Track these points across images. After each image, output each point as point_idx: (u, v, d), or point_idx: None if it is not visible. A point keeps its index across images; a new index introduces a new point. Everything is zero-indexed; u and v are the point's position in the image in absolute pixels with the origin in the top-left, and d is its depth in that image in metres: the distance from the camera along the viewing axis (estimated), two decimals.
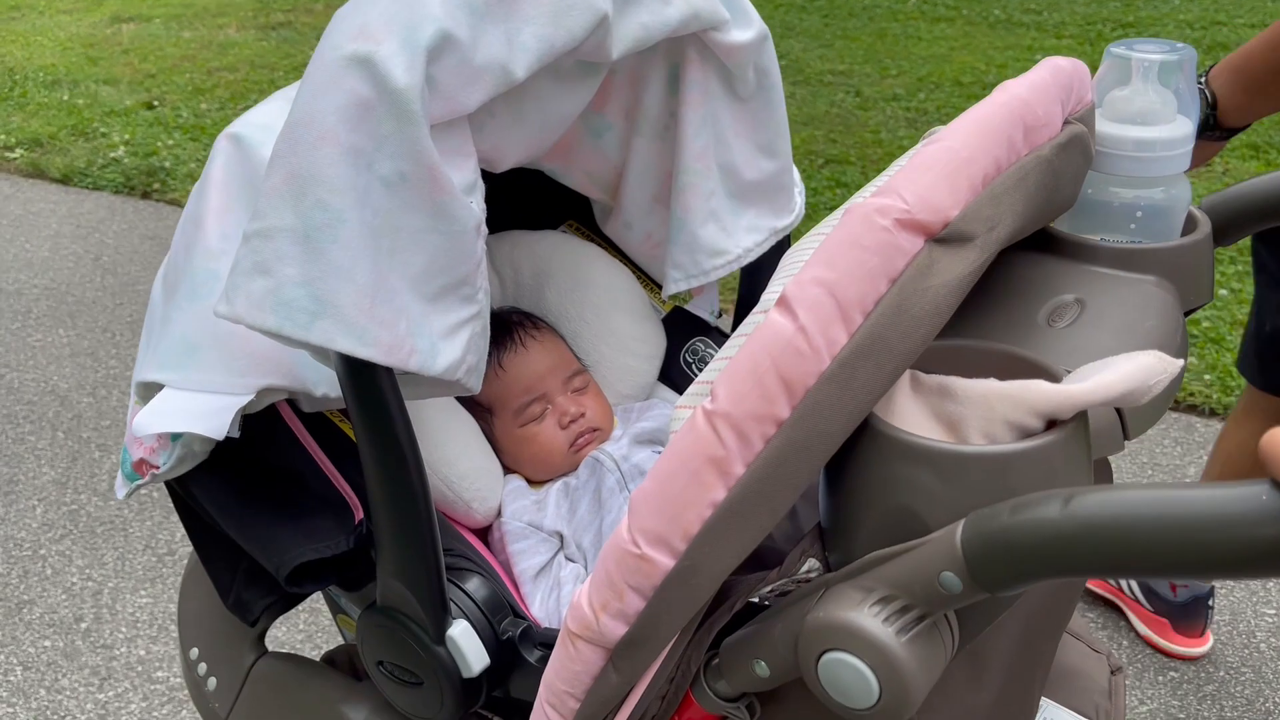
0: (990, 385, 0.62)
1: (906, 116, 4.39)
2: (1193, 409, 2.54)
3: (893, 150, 3.97)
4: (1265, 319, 1.57)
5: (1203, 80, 1.24)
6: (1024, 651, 0.81)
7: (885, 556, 0.61)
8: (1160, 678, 1.87)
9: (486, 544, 1.08)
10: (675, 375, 1.23)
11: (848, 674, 0.61)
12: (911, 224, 0.61)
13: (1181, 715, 1.79)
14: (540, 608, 1.01)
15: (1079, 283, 0.80)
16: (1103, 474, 0.87)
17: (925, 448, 0.61)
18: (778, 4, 5.99)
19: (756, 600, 0.71)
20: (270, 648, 1.14)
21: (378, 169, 0.75)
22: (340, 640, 1.23)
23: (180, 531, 2.29)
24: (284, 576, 0.89)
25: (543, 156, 1.11)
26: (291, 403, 0.94)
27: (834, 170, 3.89)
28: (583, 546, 1.05)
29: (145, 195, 4.11)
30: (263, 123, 0.95)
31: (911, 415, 0.64)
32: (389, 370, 0.77)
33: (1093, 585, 2.03)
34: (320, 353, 0.78)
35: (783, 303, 0.60)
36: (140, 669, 1.97)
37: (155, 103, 4.96)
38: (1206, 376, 2.60)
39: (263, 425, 0.92)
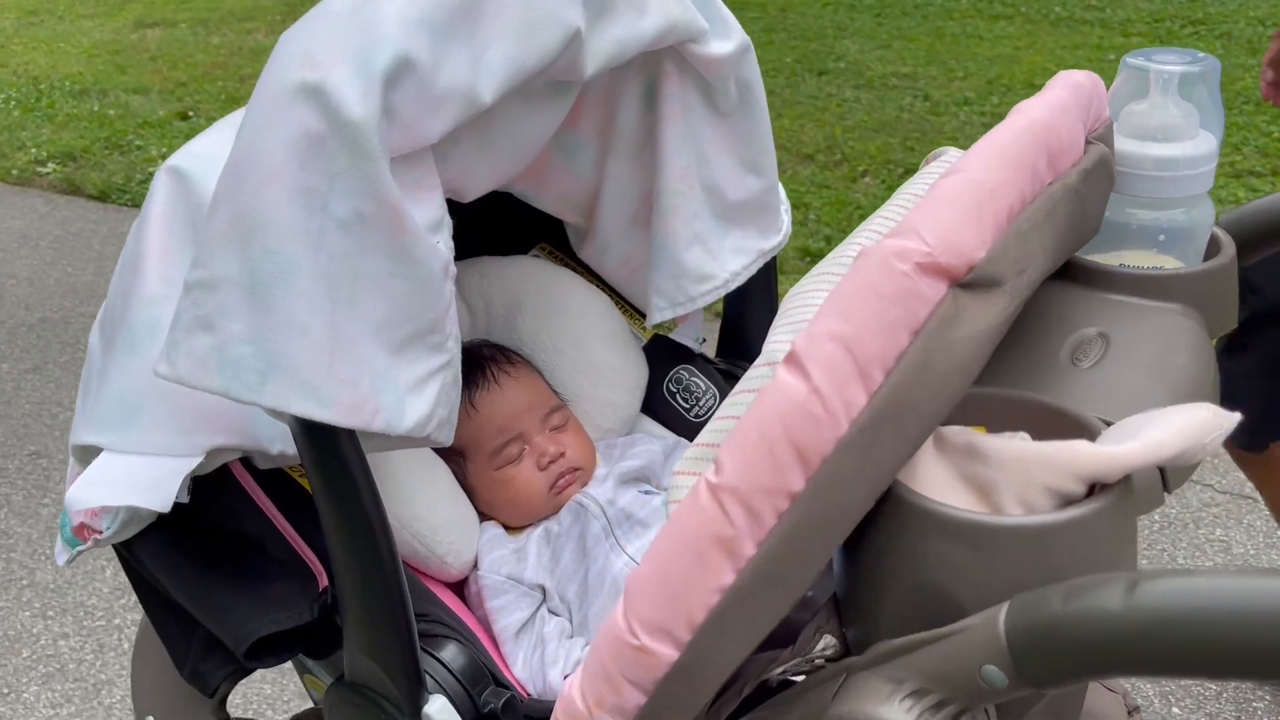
0: (1027, 448, 0.56)
1: (983, 121, 4.15)
2: None
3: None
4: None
5: None
6: (1053, 703, 0.75)
7: (916, 644, 0.54)
8: (1177, 708, 1.81)
9: (461, 597, 1.01)
10: (658, 406, 1.16)
11: None
12: (934, 268, 0.54)
13: None
14: (523, 668, 0.94)
15: (1099, 314, 0.73)
16: None
17: (958, 520, 0.54)
18: (825, 3, 5.72)
19: (767, 680, 0.64)
20: (232, 713, 1.06)
21: (332, 210, 0.68)
22: (308, 702, 1.15)
23: None
24: (243, 651, 0.82)
25: (513, 180, 1.03)
26: (245, 460, 0.86)
27: None
28: (567, 599, 0.98)
29: None
30: (206, 154, 0.87)
31: (937, 479, 0.58)
32: (350, 432, 0.70)
33: None
34: (274, 413, 0.71)
35: (793, 360, 0.54)
36: None
37: (190, 113, 4.77)
38: None
39: (214, 485, 0.85)
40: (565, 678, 0.87)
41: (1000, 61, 4.81)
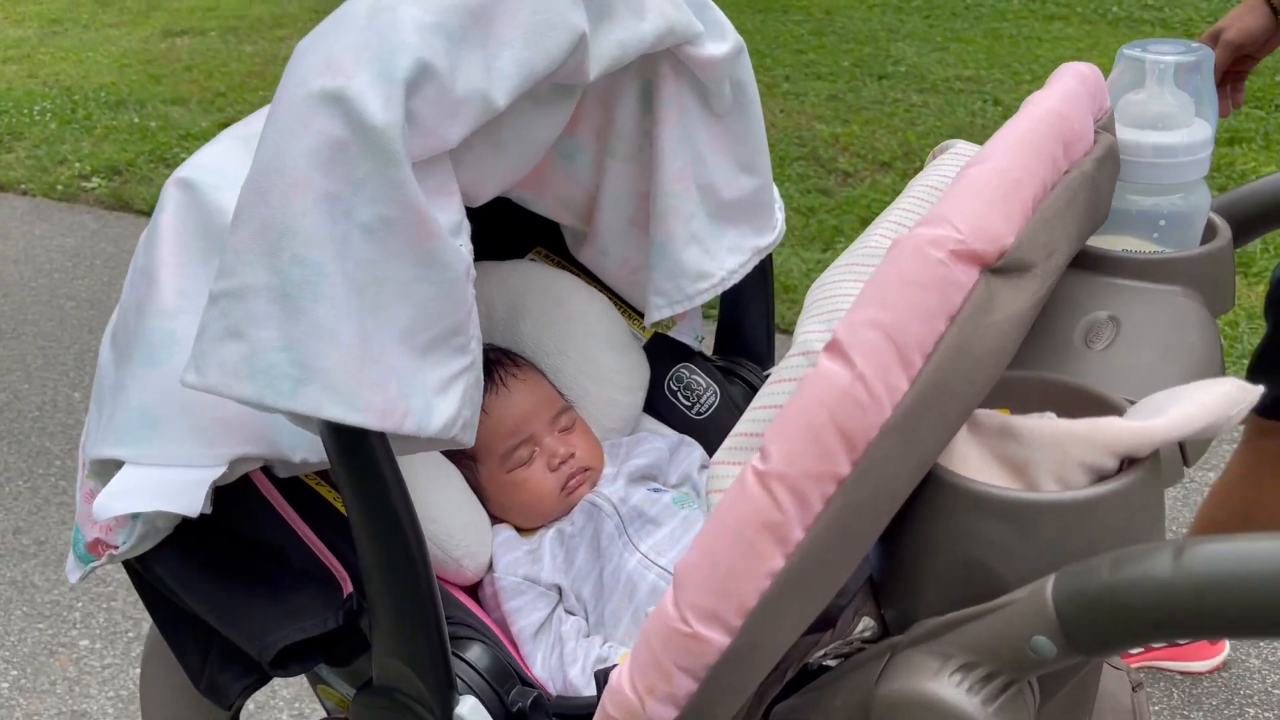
0: (1060, 425, 0.58)
1: None
2: None
3: None
4: None
5: None
6: (1080, 681, 0.77)
7: (963, 619, 0.56)
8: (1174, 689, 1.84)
9: (477, 600, 1.01)
10: (659, 404, 1.17)
11: None
12: (967, 255, 0.56)
13: None
14: (542, 667, 0.95)
15: (1107, 298, 0.76)
16: None
17: (999, 498, 0.56)
18: (871, 5, 5.61)
19: (809, 664, 0.66)
20: None
21: (357, 216, 0.68)
22: (321, 712, 1.15)
23: None
24: (269, 660, 0.82)
25: (514, 185, 1.04)
26: (265, 469, 0.86)
27: None
28: (582, 598, 0.99)
29: None
30: (214, 165, 0.87)
31: (972, 460, 0.59)
32: (381, 435, 0.71)
33: None
34: (302, 420, 0.71)
35: (835, 348, 0.55)
36: None
37: (232, 124, 4.64)
38: None
39: (233, 495, 0.84)
40: (594, 674, 0.88)
41: (1064, 64, 4.71)
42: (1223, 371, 0.74)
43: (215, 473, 0.78)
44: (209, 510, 0.79)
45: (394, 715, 0.82)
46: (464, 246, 0.75)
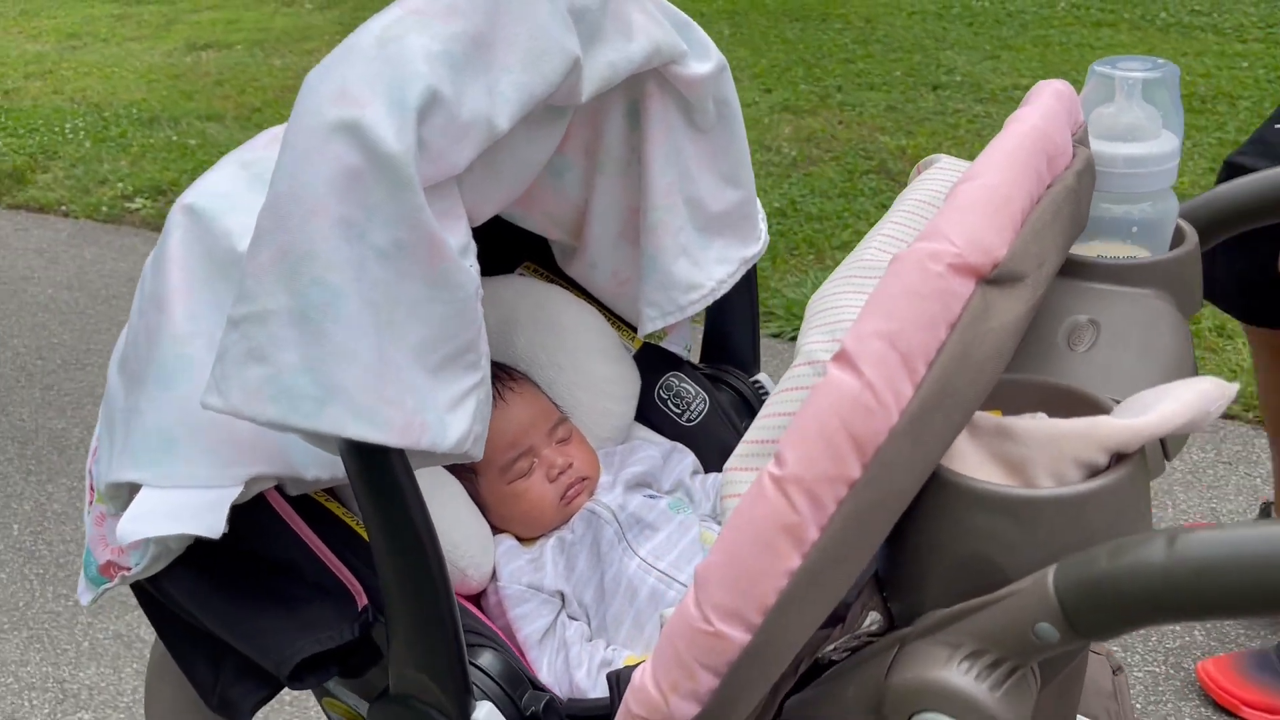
0: (1055, 425, 0.61)
1: None
2: None
3: None
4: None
5: None
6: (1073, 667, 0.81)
7: (969, 610, 0.59)
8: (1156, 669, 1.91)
9: (481, 609, 1.04)
10: (650, 413, 1.20)
11: None
12: (964, 267, 0.59)
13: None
14: (548, 672, 0.97)
15: (1086, 302, 0.80)
16: None
17: (1000, 495, 0.59)
18: (911, 13, 5.55)
19: (820, 658, 0.69)
20: None
21: (371, 239, 0.71)
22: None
23: None
24: (287, 673, 0.84)
25: None
26: (278, 487, 0.88)
27: None
28: (584, 603, 1.02)
29: None
30: (219, 190, 0.89)
31: (971, 459, 0.63)
32: (400, 451, 0.73)
33: None
34: (321, 439, 0.73)
35: (843, 358, 0.59)
36: None
37: None
38: None
39: (247, 513, 0.86)
40: (605, 676, 0.91)
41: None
42: (1194, 367, 0.78)
43: (233, 493, 0.80)
44: (226, 529, 0.81)
45: None
46: (473, 267, 0.78)
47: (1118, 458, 0.61)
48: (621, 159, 1.08)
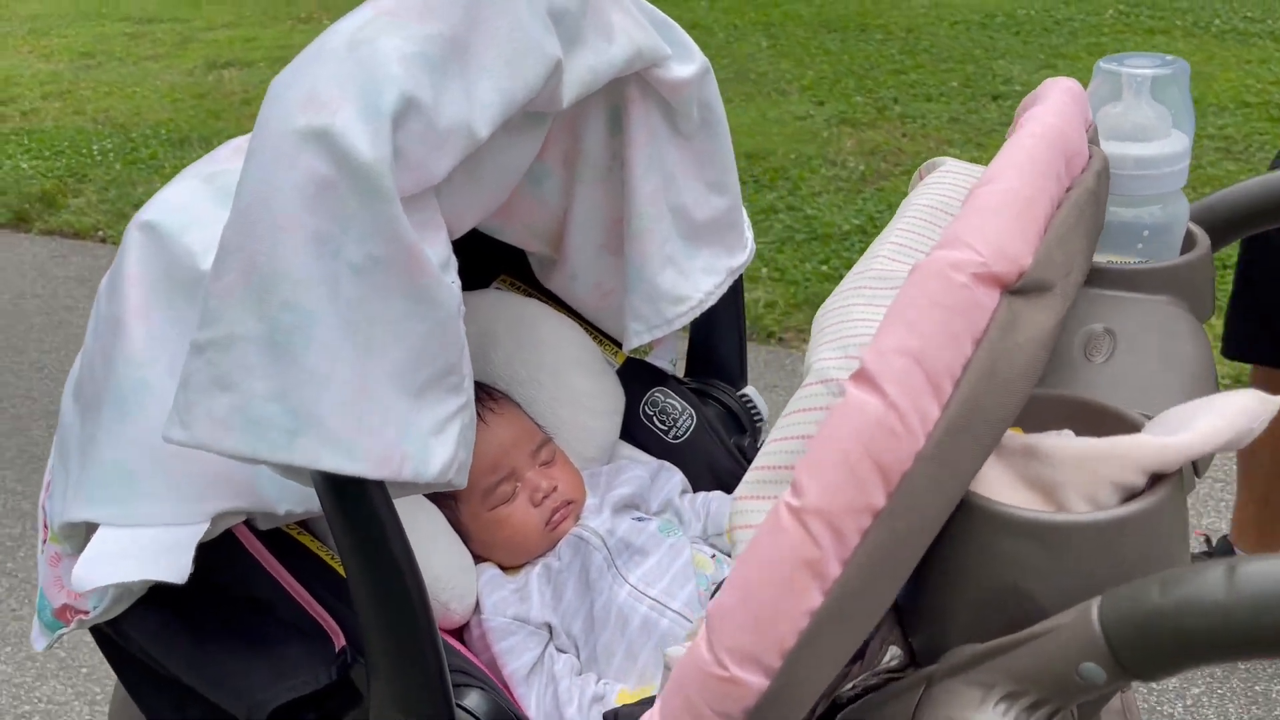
0: (1089, 444, 0.57)
1: (1216, 146, 3.71)
2: None
3: (1217, 183, 3.35)
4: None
5: None
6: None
7: (1004, 647, 0.55)
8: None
9: (463, 642, 0.99)
10: (635, 430, 1.16)
11: None
12: (989, 277, 0.55)
13: None
14: (537, 709, 0.92)
15: (1100, 310, 0.76)
16: None
17: (1034, 521, 0.55)
18: (954, 22, 5.43)
19: (838, 697, 0.64)
20: None
21: (345, 255, 0.65)
22: None
23: None
24: None
25: None
26: (247, 521, 0.82)
27: None
28: (573, 634, 0.97)
29: None
30: (179, 205, 0.83)
31: (998, 483, 0.59)
32: (379, 483, 0.68)
33: None
34: (293, 471, 0.68)
35: (864, 377, 0.54)
36: None
37: None
38: None
39: (214, 550, 0.81)
40: (602, 716, 0.86)
41: (1195, 80, 4.42)
42: (1215, 376, 0.75)
43: (198, 531, 0.75)
44: (191, 569, 0.75)
45: None
46: (454, 283, 0.73)
47: (1155, 478, 0.57)
48: (602, 166, 1.03)
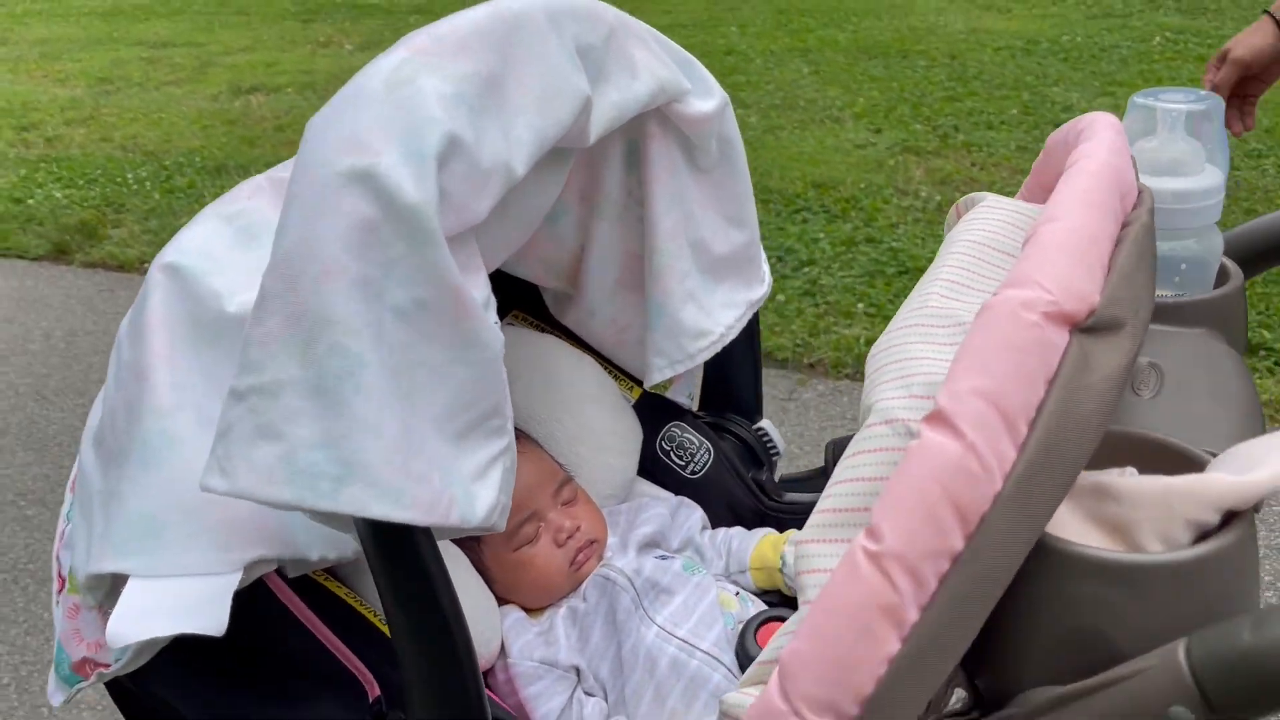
0: (1163, 483, 0.57)
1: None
2: None
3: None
4: None
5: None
6: None
7: (1086, 690, 0.54)
8: None
9: (488, 687, 0.96)
10: (652, 465, 1.14)
11: None
12: (1059, 316, 0.55)
13: None
14: None
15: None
16: None
17: (1112, 562, 0.55)
18: (996, 48, 5.34)
19: None
20: None
21: (389, 299, 0.64)
22: None
23: None
24: None
25: None
26: (277, 569, 0.80)
27: None
28: (600, 677, 0.95)
29: None
30: (200, 249, 0.82)
31: (1070, 522, 0.58)
32: (427, 530, 0.66)
33: None
34: (333, 518, 0.66)
35: (940, 419, 0.53)
36: None
37: None
38: None
39: (243, 600, 0.78)
40: None
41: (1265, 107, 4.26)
42: (1261, 410, 0.75)
43: (233, 580, 0.72)
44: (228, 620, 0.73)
45: None
46: (496, 324, 0.72)
47: (1228, 517, 0.57)
48: (619, 203, 1.03)
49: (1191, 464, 0.61)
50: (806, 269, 3.20)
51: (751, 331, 1.13)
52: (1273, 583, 2.02)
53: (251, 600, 0.79)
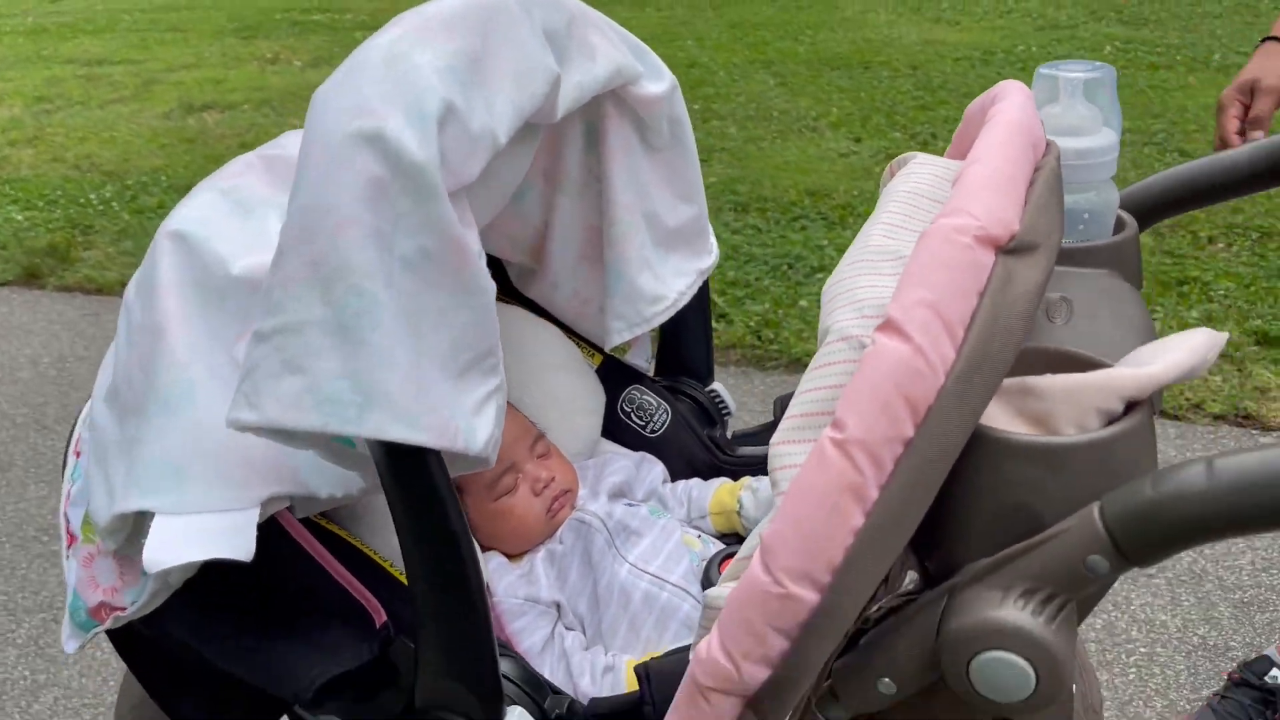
0: (1075, 379, 0.67)
1: None
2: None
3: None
4: None
5: None
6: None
7: (1018, 553, 0.64)
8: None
9: None
10: (614, 426, 1.23)
11: (1004, 670, 0.63)
12: (986, 239, 0.65)
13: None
14: (550, 680, 0.98)
15: (1055, 282, 0.87)
16: None
17: (1038, 445, 0.65)
18: (955, 59, 5.34)
19: (865, 620, 0.72)
20: None
21: (398, 249, 0.72)
22: None
23: None
24: (308, 698, 0.82)
25: None
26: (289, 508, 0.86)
27: None
28: (579, 613, 1.03)
29: None
30: (199, 216, 0.88)
31: (999, 416, 0.68)
32: (437, 454, 0.74)
33: None
34: (343, 455, 0.73)
35: (891, 326, 0.63)
36: None
37: None
38: None
39: (259, 537, 0.85)
40: (635, 671, 0.92)
41: (1202, 112, 4.23)
42: (1155, 333, 0.86)
43: (254, 514, 0.79)
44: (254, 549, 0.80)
45: None
46: (488, 272, 0.80)
47: (1130, 405, 0.67)
48: (579, 180, 1.11)
49: (1098, 368, 0.71)
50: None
51: (703, 301, 1.22)
52: (1267, 567, 2.15)
53: (264, 539, 0.86)
